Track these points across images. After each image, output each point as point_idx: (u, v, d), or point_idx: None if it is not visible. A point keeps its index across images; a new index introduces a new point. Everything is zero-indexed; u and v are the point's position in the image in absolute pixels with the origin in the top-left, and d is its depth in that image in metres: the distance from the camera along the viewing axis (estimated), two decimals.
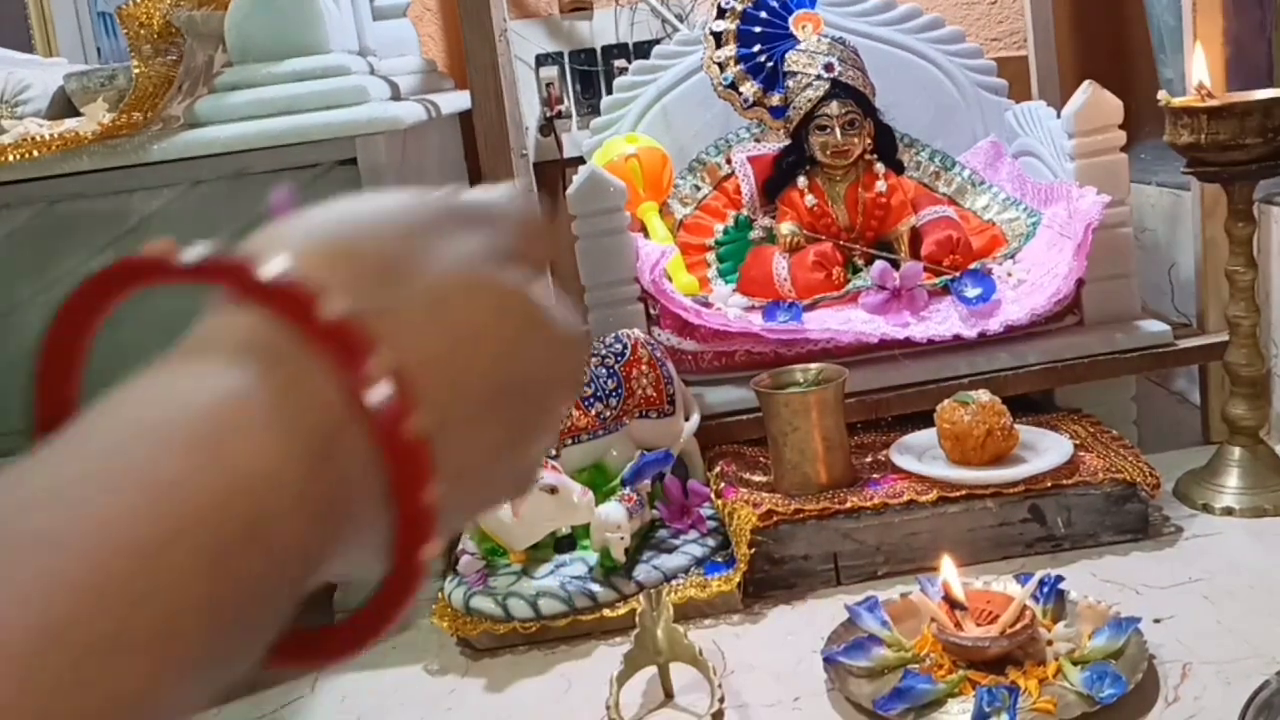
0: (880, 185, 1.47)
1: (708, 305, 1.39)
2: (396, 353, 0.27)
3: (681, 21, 1.93)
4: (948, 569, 0.97)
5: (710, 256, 1.56)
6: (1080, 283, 1.35)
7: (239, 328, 0.27)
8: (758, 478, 1.23)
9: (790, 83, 1.49)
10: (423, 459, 0.26)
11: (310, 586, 0.27)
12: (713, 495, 1.22)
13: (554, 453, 1.18)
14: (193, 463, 0.24)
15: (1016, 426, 1.18)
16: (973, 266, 1.41)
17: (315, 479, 0.25)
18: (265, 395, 0.26)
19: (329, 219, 0.31)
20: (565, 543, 1.17)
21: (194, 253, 0.27)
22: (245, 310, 0.27)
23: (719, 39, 1.53)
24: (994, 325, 1.31)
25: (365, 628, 0.28)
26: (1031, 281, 1.37)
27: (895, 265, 1.40)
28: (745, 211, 1.56)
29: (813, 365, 1.24)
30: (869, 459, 1.25)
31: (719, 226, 1.57)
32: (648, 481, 1.20)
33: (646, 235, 1.51)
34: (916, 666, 0.94)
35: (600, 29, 1.96)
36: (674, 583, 1.13)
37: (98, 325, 0.30)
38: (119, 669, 0.21)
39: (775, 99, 1.51)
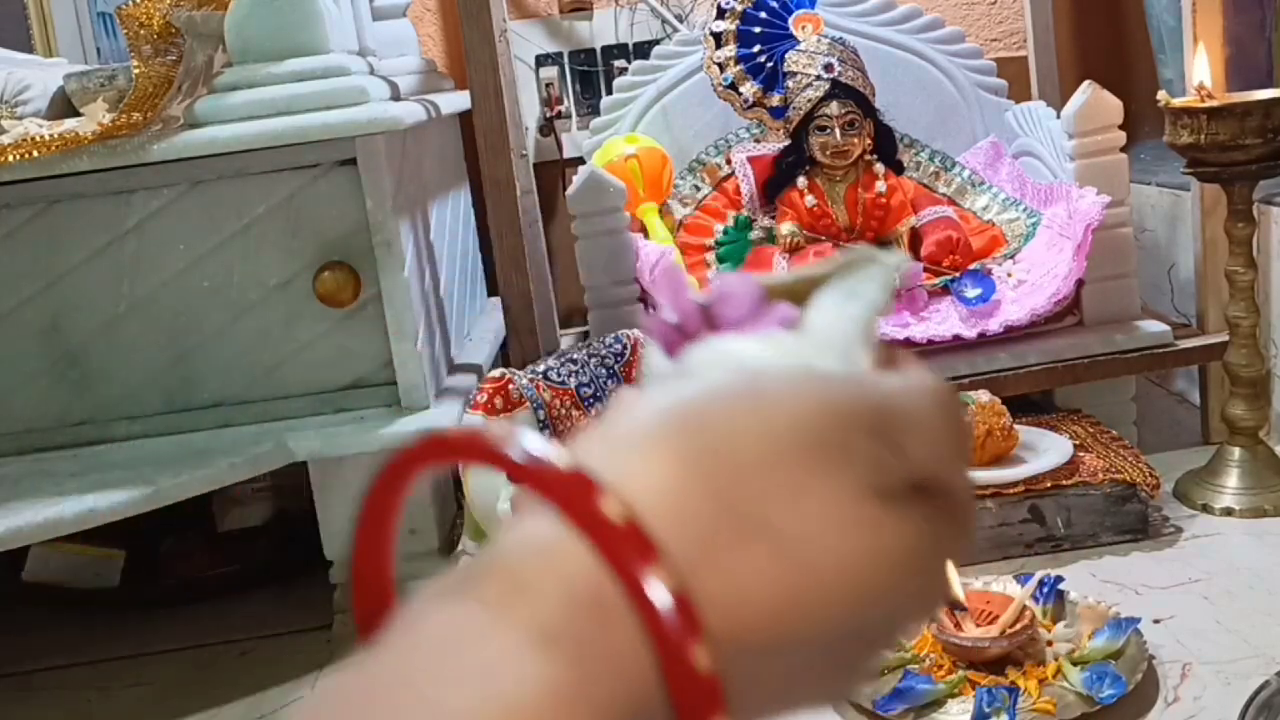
0: (880, 186, 1.47)
1: None
2: (723, 621, 0.24)
3: (681, 22, 1.93)
4: (946, 568, 0.97)
5: (710, 257, 1.56)
6: (1080, 283, 1.35)
7: (567, 574, 0.24)
8: None
9: (790, 83, 1.49)
10: None
11: None
12: None
13: None
14: None
15: (1016, 427, 1.18)
16: (973, 267, 1.41)
17: None
18: (580, 674, 0.23)
19: (692, 421, 0.26)
20: None
21: (527, 445, 0.24)
22: (575, 547, 0.24)
23: (719, 39, 1.53)
24: (994, 325, 1.31)
25: None
26: (1031, 282, 1.37)
27: None
28: (745, 212, 1.56)
29: None
30: None
31: (719, 227, 1.57)
32: None
33: (646, 235, 1.51)
34: (916, 666, 0.93)
35: (600, 29, 1.96)
36: None
37: (404, 499, 0.28)
38: None
39: (775, 99, 1.51)
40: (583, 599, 0.23)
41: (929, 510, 0.27)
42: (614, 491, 0.24)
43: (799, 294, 0.32)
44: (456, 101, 1.64)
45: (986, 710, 0.85)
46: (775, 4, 1.53)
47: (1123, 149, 1.37)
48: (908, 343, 1.32)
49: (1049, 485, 1.13)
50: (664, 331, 0.32)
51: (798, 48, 1.49)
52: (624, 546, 0.23)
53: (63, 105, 1.42)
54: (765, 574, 0.25)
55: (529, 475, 0.24)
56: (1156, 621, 0.99)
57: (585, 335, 1.39)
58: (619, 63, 1.91)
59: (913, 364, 0.31)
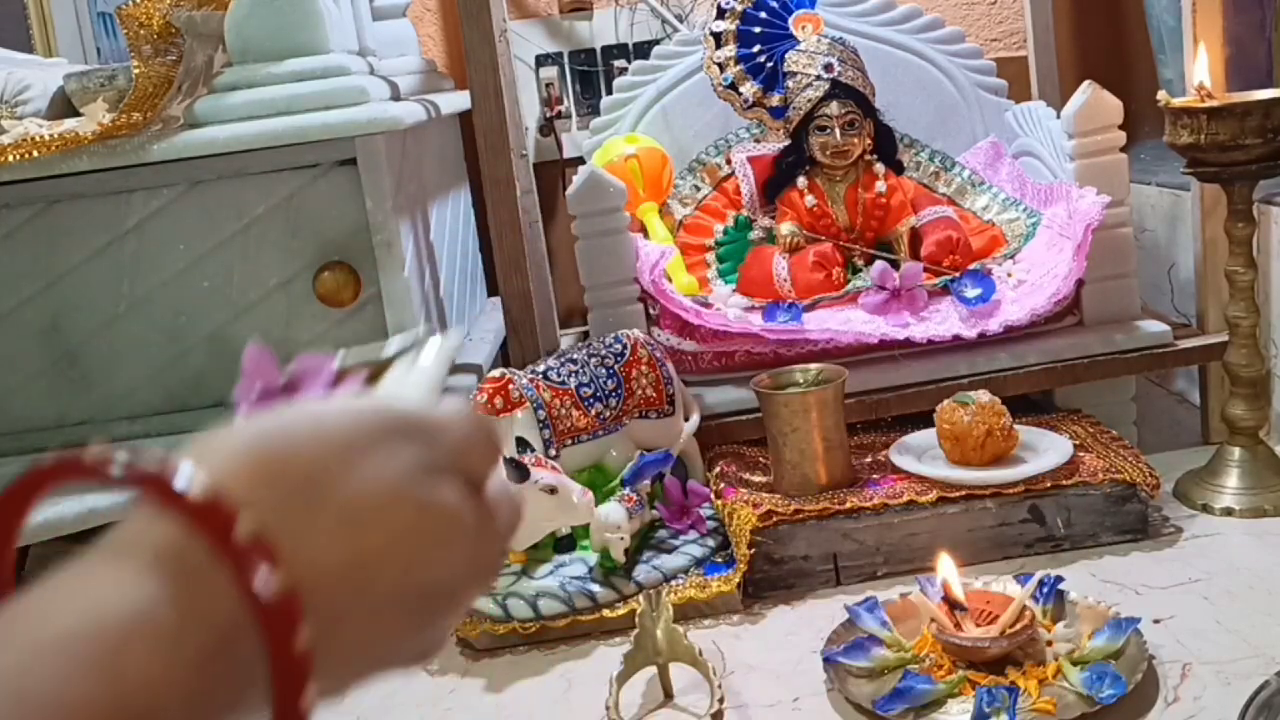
0: (880, 186, 1.47)
1: (708, 305, 1.39)
2: (297, 569, 0.30)
3: (681, 21, 1.93)
4: (946, 566, 0.97)
5: (710, 257, 1.56)
6: (1080, 283, 1.35)
7: (156, 536, 0.30)
8: (757, 478, 1.23)
9: (790, 83, 1.49)
10: (304, 669, 0.30)
11: None
12: (712, 495, 1.22)
13: (554, 453, 1.18)
14: (93, 680, 0.27)
15: (1016, 427, 1.18)
16: (973, 267, 1.41)
17: (205, 679, 0.29)
18: (171, 606, 0.29)
19: (261, 431, 0.33)
20: (565, 543, 1.17)
21: (122, 459, 0.30)
22: (165, 519, 0.30)
23: (719, 39, 1.53)
24: (994, 325, 1.31)
25: None
26: (1031, 282, 1.37)
27: (895, 265, 1.40)
28: (745, 212, 1.56)
29: (813, 365, 1.24)
30: (869, 459, 1.25)
31: (719, 227, 1.57)
32: (648, 482, 1.20)
33: (646, 235, 1.51)
34: (916, 667, 0.94)
35: (600, 29, 1.96)
36: (674, 583, 1.13)
37: (27, 515, 0.33)
38: None
39: (775, 99, 1.51)
40: (177, 552, 0.30)
41: (469, 498, 0.35)
42: (199, 475, 0.30)
43: (372, 369, 0.40)
44: (456, 101, 1.64)
45: (986, 710, 0.85)
46: (775, 4, 1.53)
47: (1123, 149, 1.37)
48: (908, 343, 1.32)
49: (1049, 485, 1.13)
50: (246, 400, 0.40)
51: (798, 48, 1.49)
52: (210, 512, 0.29)
53: (63, 105, 1.42)
54: (330, 534, 0.31)
55: (128, 479, 0.30)
56: (1156, 621, 0.99)
57: (585, 335, 1.40)
58: (619, 63, 1.92)
59: (456, 403, 0.39)
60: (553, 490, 1.07)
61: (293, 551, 0.30)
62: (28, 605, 0.29)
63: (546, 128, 1.96)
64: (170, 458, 0.31)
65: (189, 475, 0.30)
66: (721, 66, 1.53)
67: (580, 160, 1.68)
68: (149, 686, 0.28)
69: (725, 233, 1.57)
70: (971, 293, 1.36)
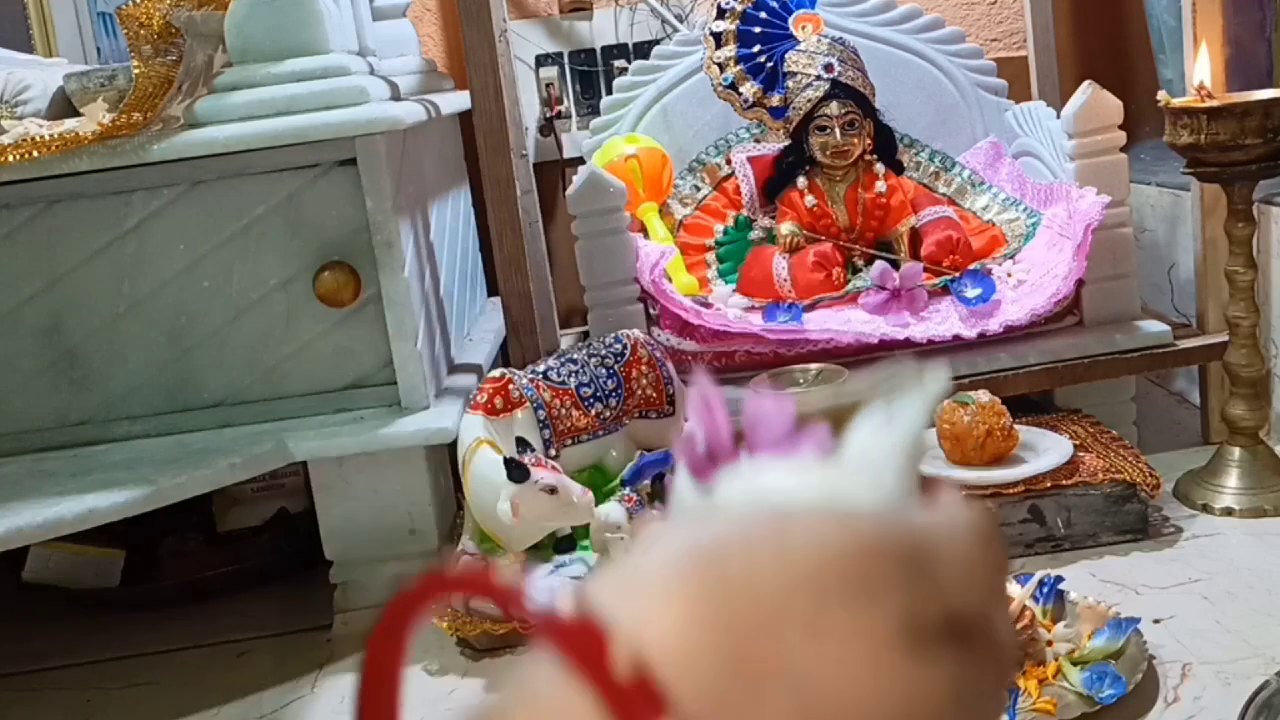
0: (880, 186, 1.47)
1: (708, 305, 1.39)
2: None
3: (681, 22, 1.93)
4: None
5: (710, 257, 1.56)
6: (1080, 283, 1.35)
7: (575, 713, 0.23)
8: None
9: (790, 83, 1.49)
10: None
11: None
12: None
13: (554, 453, 1.18)
14: None
15: (1016, 427, 1.18)
16: (973, 267, 1.41)
17: None
18: None
19: (709, 565, 0.25)
20: (565, 543, 1.17)
21: (543, 599, 0.24)
22: (584, 702, 0.23)
23: (719, 39, 1.53)
24: (994, 325, 1.31)
25: None
26: (1031, 282, 1.37)
27: (895, 265, 1.40)
28: (745, 212, 1.56)
29: (813, 365, 1.24)
30: None
31: (719, 227, 1.57)
32: (648, 481, 1.20)
33: (646, 235, 1.51)
34: None
35: (600, 29, 1.96)
36: None
37: (415, 629, 0.27)
38: None
39: (775, 99, 1.51)
40: None
41: (966, 654, 0.25)
42: (624, 643, 0.23)
43: (836, 415, 0.31)
44: (456, 101, 1.64)
45: None
46: (775, 4, 1.53)
47: (1123, 149, 1.37)
48: (908, 343, 1.32)
49: (1049, 485, 1.13)
50: (693, 456, 0.31)
51: (798, 48, 1.49)
52: (633, 704, 0.22)
53: (63, 105, 1.42)
54: (782, 715, 0.23)
55: (538, 623, 0.23)
56: (1156, 621, 0.99)
57: (585, 335, 1.39)
58: (619, 63, 1.92)
59: (950, 494, 0.29)
60: (553, 490, 1.07)
61: None
62: None
63: (546, 128, 1.96)
64: (593, 596, 0.24)
65: (621, 649, 0.23)
66: (721, 66, 1.53)
67: (580, 160, 1.68)
68: None
69: (725, 233, 1.57)
70: (971, 293, 1.36)
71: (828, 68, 1.46)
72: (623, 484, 1.19)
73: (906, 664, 0.24)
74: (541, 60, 1.96)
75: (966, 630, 0.26)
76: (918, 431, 0.31)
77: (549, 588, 1.10)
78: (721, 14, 1.53)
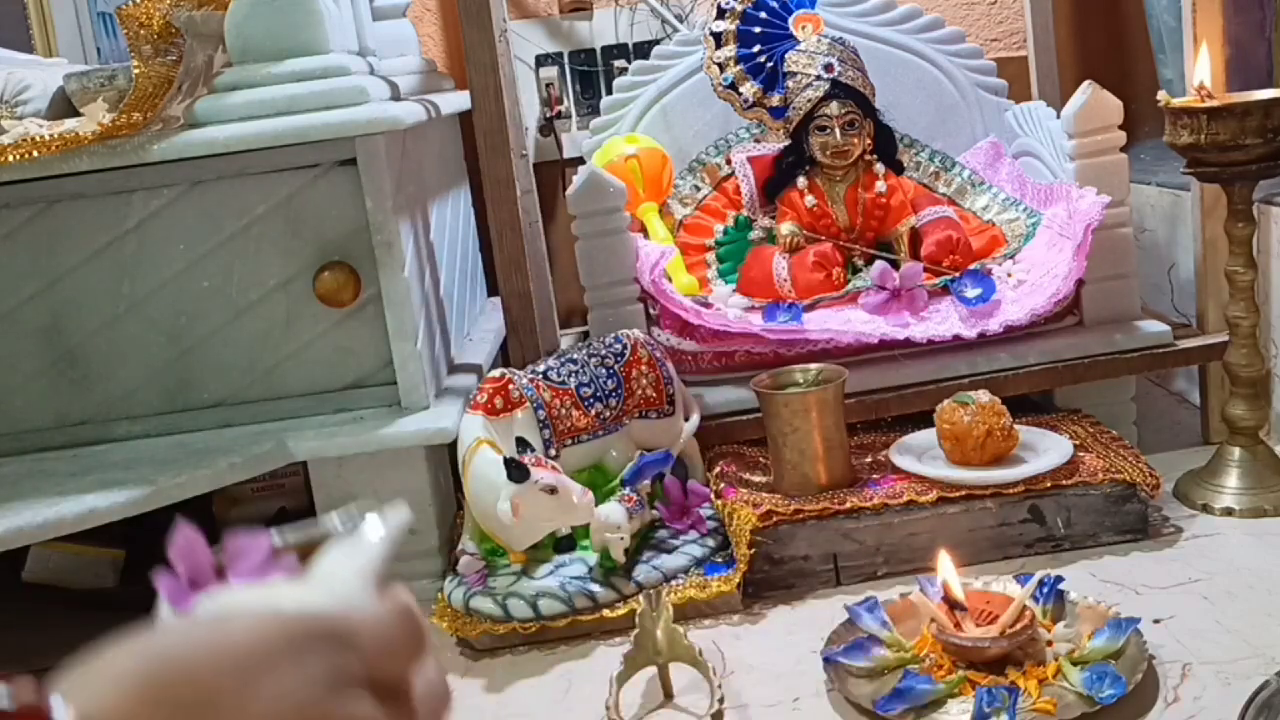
0: (880, 185, 1.47)
1: (708, 305, 1.39)
2: None
3: (681, 21, 1.93)
4: (945, 565, 0.97)
5: (710, 257, 1.56)
6: (1080, 283, 1.35)
7: None
8: (758, 478, 1.23)
9: (790, 83, 1.49)
10: None
11: None
12: (713, 495, 1.22)
13: (554, 453, 1.18)
14: None
15: (1016, 427, 1.18)
16: (973, 267, 1.41)
17: None
18: None
19: (153, 650, 0.31)
20: (565, 543, 1.17)
21: (5, 694, 0.28)
22: None
23: (719, 39, 1.53)
24: (994, 325, 1.31)
25: None
26: (1031, 282, 1.37)
27: (895, 265, 1.40)
28: (745, 212, 1.56)
29: (813, 365, 1.24)
30: (869, 459, 1.25)
31: (719, 227, 1.57)
32: (648, 481, 1.20)
33: (646, 235, 1.51)
34: (916, 667, 0.93)
35: (600, 29, 1.96)
36: (674, 583, 1.13)
37: None
38: None
39: (775, 99, 1.51)
40: None
41: (390, 707, 0.32)
42: (73, 708, 0.28)
43: (307, 549, 0.38)
44: (456, 101, 1.64)
45: (986, 710, 0.86)
46: (775, 4, 1.53)
47: (1123, 149, 1.37)
48: (908, 343, 1.32)
49: (1049, 485, 1.13)
50: (171, 588, 0.38)
51: (798, 48, 1.49)
52: None
53: (63, 105, 1.42)
54: None
55: (9, 711, 0.28)
56: (1156, 621, 0.99)
57: (585, 335, 1.39)
58: (619, 63, 1.92)
59: (396, 592, 0.36)
60: (553, 490, 1.07)
61: None
62: None
63: (546, 128, 1.96)
64: (50, 687, 0.29)
65: (62, 709, 0.28)
66: (721, 66, 1.53)
67: (580, 160, 1.68)
68: None
69: (725, 233, 1.57)
70: (971, 293, 1.36)
71: (828, 68, 1.46)
72: (623, 484, 1.19)
73: (330, 704, 0.30)
74: (541, 60, 1.96)
75: (389, 689, 0.33)
76: (379, 553, 0.37)
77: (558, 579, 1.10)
78: (721, 14, 1.53)
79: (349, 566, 0.37)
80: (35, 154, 1.15)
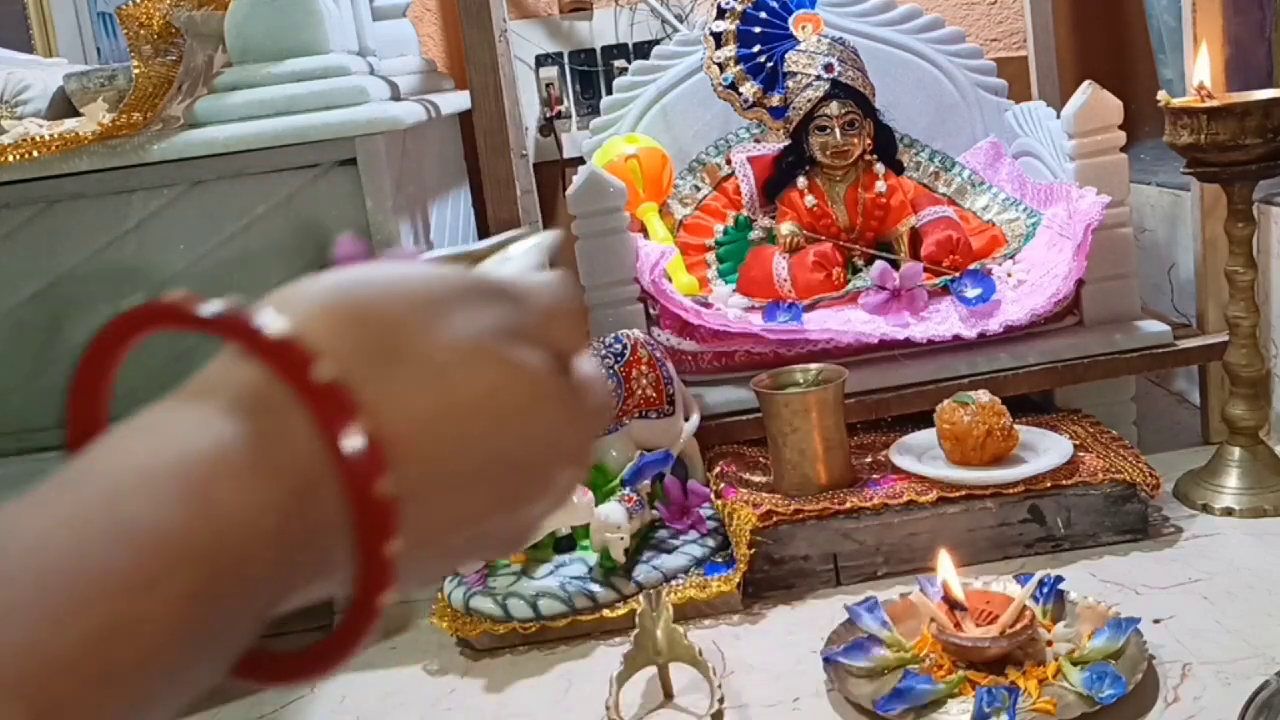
0: (880, 185, 1.47)
1: (708, 305, 1.39)
2: (379, 417, 0.29)
3: (681, 21, 1.93)
4: (945, 565, 0.97)
5: (710, 257, 1.56)
6: (1080, 283, 1.35)
7: (240, 378, 0.30)
8: (758, 478, 1.23)
9: (790, 83, 1.48)
10: (388, 517, 0.28)
11: (277, 613, 0.30)
12: (713, 495, 1.22)
13: None
14: (183, 512, 0.26)
15: (1016, 427, 1.18)
16: (973, 267, 1.41)
17: (291, 524, 0.28)
18: (253, 445, 0.28)
19: (346, 284, 0.32)
20: (565, 543, 1.17)
21: (212, 305, 0.30)
22: (248, 363, 0.29)
23: (719, 39, 1.53)
24: (994, 325, 1.31)
25: (322, 656, 0.30)
26: (1031, 282, 1.37)
27: (895, 265, 1.40)
28: (745, 212, 1.56)
29: (813, 365, 1.24)
30: (869, 459, 1.25)
31: (719, 227, 1.57)
32: (648, 481, 1.20)
33: (646, 235, 1.51)
34: (916, 667, 0.94)
35: (600, 29, 1.96)
36: (674, 583, 1.13)
37: (122, 357, 0.33)
38: (107, 697, 0.24)
39: (775, 99, 1.51)
40: (259, 394, 0.29)
41: (555, 370, 0.33)
42: (279, 320, 0.29)
43: (474, 260, 0.39)
44: (456, 101, 1.64)
45: (986, 710, 0.86)
46: (775, 4, 1.53)
47: (1123, 149, 1.37)
48: (908, 343, 1.32)
49: (1049, 485, 1.13)
50: (349, 249, 0.39)
51: (798, 48, 1.49)
52: (288, 354, 0.29)
53: (63, 105, 1.42)
54: (411, 385, 0.30)
55: (213, 325, 0.30)
56: (1156, 621, 0.99)
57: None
58: (619, 63, 1.92)
59: (561, 274, 0.37)
60: None
61: (373, 399, 0.29)
62: (108, 444, 0.29)
63: (546, 128, 1.96)
64: (256, 306, 0.31)
65: (269, 319, 0.29)
66: (721, 66, 1.53)
67: (580, 160, 1.68)
68: (241, 523, 0.27)
69: (725, 233, 1.57)
70: (971, 293, 1.36)
71: (828, 68, 1.46)
72: (623, 484, 1.19)
73: (503, 356, 0.31)
74: (541, 60, 1.96)
75: (557, 358, 0.33)
76: (532, 264, 0.39)
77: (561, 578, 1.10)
78: (721, 14, 1.53)
79: (504, 272, 0.38)
80: (35, 154, 1.15)
